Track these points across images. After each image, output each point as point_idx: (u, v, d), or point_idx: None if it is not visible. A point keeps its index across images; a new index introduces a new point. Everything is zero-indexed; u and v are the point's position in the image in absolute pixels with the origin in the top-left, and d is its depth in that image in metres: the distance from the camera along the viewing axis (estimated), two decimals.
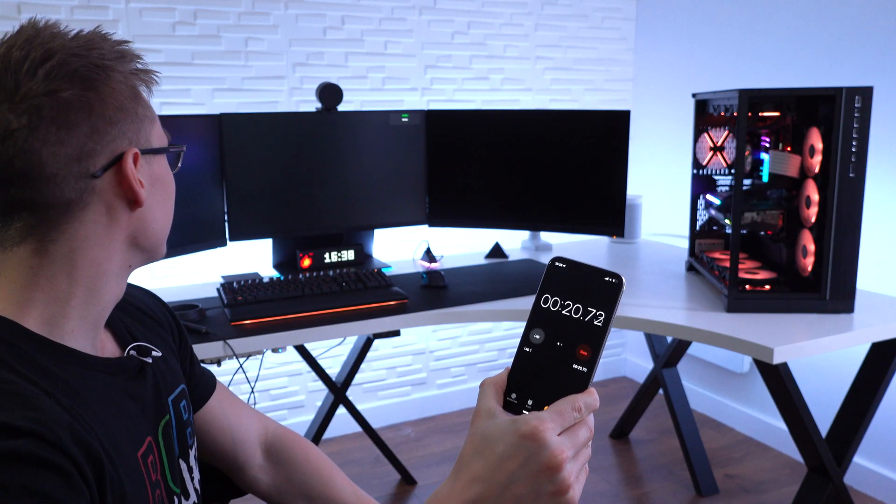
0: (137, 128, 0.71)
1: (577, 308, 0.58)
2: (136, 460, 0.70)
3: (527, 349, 0.59)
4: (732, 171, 1.95)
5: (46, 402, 0.60)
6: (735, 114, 1.68)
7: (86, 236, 0.68)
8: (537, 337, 0.59)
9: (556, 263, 0.60)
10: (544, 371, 0.58)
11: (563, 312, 0.59)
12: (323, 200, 2.07)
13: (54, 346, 0.67)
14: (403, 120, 2.12)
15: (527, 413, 0.57)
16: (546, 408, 0.56)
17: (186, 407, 0.85)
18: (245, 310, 1.64)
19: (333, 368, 2.50)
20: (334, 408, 2.22)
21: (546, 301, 0.59)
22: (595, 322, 0.58)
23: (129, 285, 0.91)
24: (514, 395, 0.59)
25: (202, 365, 1.01)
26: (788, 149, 1.75)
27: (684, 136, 2.71)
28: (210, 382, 0.98)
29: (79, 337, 0.70)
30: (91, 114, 0.66)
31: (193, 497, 0.83)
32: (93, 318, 0.71)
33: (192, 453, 0.85)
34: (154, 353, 0.81)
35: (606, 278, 0.58)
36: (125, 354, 0.78)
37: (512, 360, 0.60)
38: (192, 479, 0.83)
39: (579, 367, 0.57)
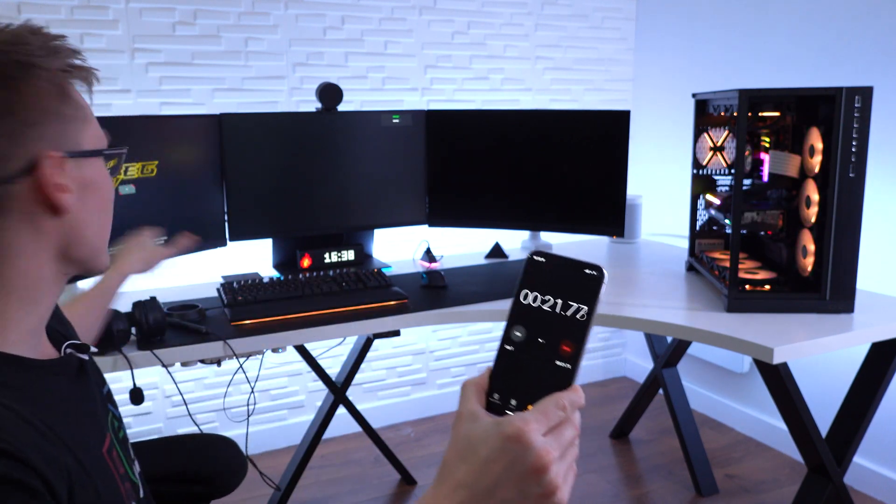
0: (62, 129, 0.68)
1: (558, 303, 0.56)
2: (102, 457, 0.69)
3: (508, 347, 0.57)
4: (732, 171, 1.95)
5: (9, 418, 0.59)
6: (735, 114, 1.68)
7: (10, 245, 0.66)
8: (518, 334, 0.57)
9: (535, 258, 0.58)
10: (527, 369, 0.56)
11: (544, 308, 0.57)
12: (323, 200, 2.07)
13: (3, 356, 0.65)
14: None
15: (510, 413, 0.55)
16: (530, 407, 0.54)
17: (113, 401, 0.86)
18: (245, 310, 1.64)
19: (333, 368, 2.50)
20: (334, 408, 2.22)
21: (526, 297, 0.57)
22: (577, 316, 0.55)
23: None
24: (496, 396, 0.56)
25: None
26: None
27: (684, 136, 2.71)
28: None
29: (23, 345, 0.68)
30: (7, 115, 0.64)
31: (141, 489, 0.82)
32: (34, 326, 0.69)
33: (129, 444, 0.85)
34: (92, 350, 0.80)
35: (587, 271, 0.56)
36: (62, 353, 0.76)
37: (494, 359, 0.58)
38: (136, 471, 0.82)
39: (563, 364, 0.55)
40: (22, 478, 0.55)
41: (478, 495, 0.53)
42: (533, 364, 0.56)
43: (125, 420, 0.89)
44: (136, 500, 0.78)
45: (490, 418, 0.54)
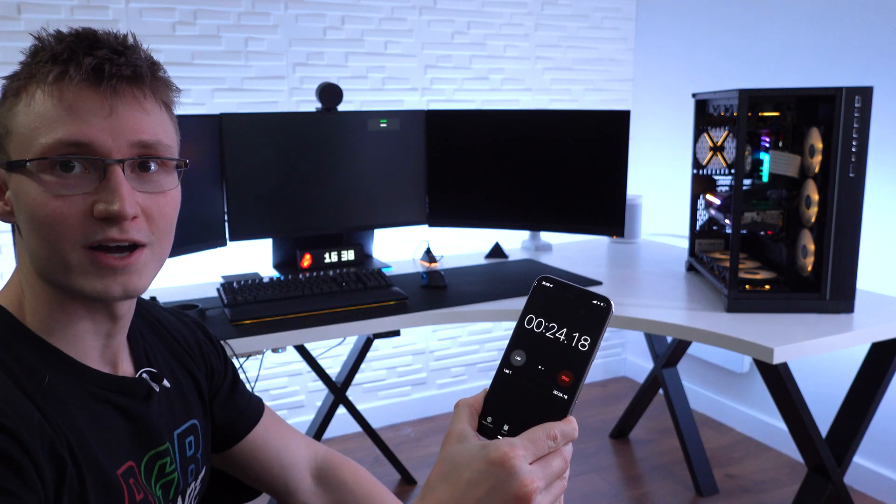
0: None
1: (563, 331, 0.56)
2: (115, 478, 0.68)
3: (506, 371, 0.56)
4: (732, 171, 1.95)
5: (19, 396, 0.60)
6: (735, 114, 1.68)
7: (18, 253, 0.69)
8: (518, 359, 0.56)
9: (543, 283, 0.57)
10: (523, 395, 0.55)
11: (547, 335, 0.56)
12: (323, 200, 2.07)
13: (49, 348, 0.66)
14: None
15: (500, 438, 0.54)
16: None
17: (194, 443, 0.82)
18: (245, 310, 1.64)
19: (333, 368, 2.50)
20: (334, 408, 2.22)
21: (530, 322, 0.57)
22: (580, 347, 0.55)
23: (171, 310, 0.90)
24: (489, 419, 0.56)
25: (252, 393, 0.98)
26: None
27: (684, 136, 2.71)
28: (257, 410, 0.96)
29: (74, 346, 0.68)
30: None
31: None
32: (78, 331, 0.69)
33: (192, 491, 0.82)
34: (164, 383, 0.78)
35: (594, 301, 0.56)
36: (137, 376, 0.76)
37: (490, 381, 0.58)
38: None
39: (560, 394, 0.54)
40: (12, 453, 0.56)
41: None
42: (530, 391, 0.55)
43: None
44: None
45: (478, 441, 0.53)
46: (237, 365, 1.65)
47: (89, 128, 0.64)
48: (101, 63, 0.64)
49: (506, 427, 0.55)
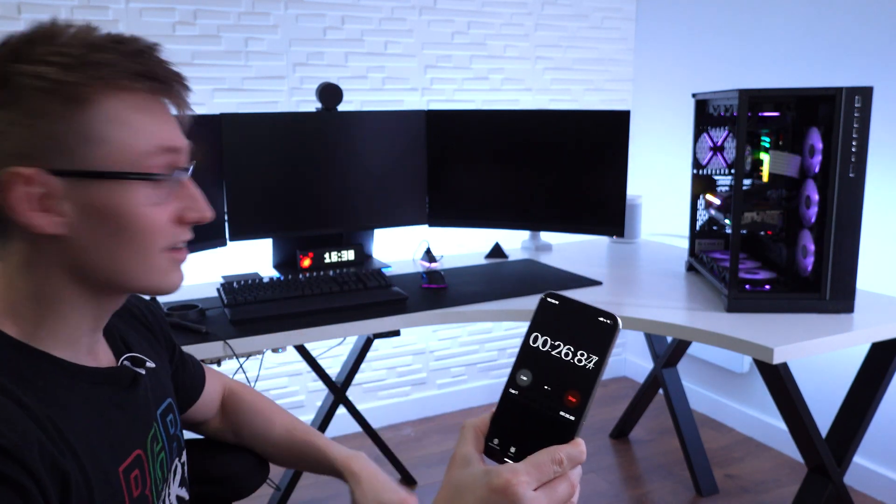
0: (50, 143, 0.60)
1: (569, 350, 0.54)
2: (116, 475, 0.67)
3: (512, 391, 0.55)
4: (732, 171, 1.95)
5: (16, 413, 0.58)
6: (735, 114, 1.68)
7: (18, 253, 0.64)
8: (524, 378, 0.55)
9: (549, 299, 0.56)
10: (529, 417, 0.54)
11: (553, 353, 0.55)
12: (323, 200, 2.07)
13: (36, 354, 0.64)
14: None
15: (508, 461, 0.53)
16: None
17: (173, 421, 0.83)
18: (245, 310, 1.64)
19: (333, 368, 2.50)
20: (334, 408, 2.22)
21: (535, 340, 0.55)
22: (587, 366, 0.53)
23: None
24: (496, 441, 0.54)
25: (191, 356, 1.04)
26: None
27: (684, 136, 2.71)
28: (199, 376, 1.03)
29: (65, 346, 0.67)
30: None
31: None
32: (71, 334, 0.68)
33: (173, 466, 0.83)
34: (148, 364, 0.78)
35: (601, 318, 0.54)
36: (119, 364, 0.75)
37: (498, 400, 0.56)
38: (169, 493, 0.81)
39: (566, 416, 0.53)
40: (13, 474, 0.54)
41: None
42: (536, 412, 0.54)
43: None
44: None
45: (482, 466, 0.53)
46: (238, 364, 1.65)
47: (177, 135, 0.68)
48: (166, 69, 0.66)
49: (512, 449, 0.54)
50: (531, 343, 0.55)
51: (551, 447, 0.52)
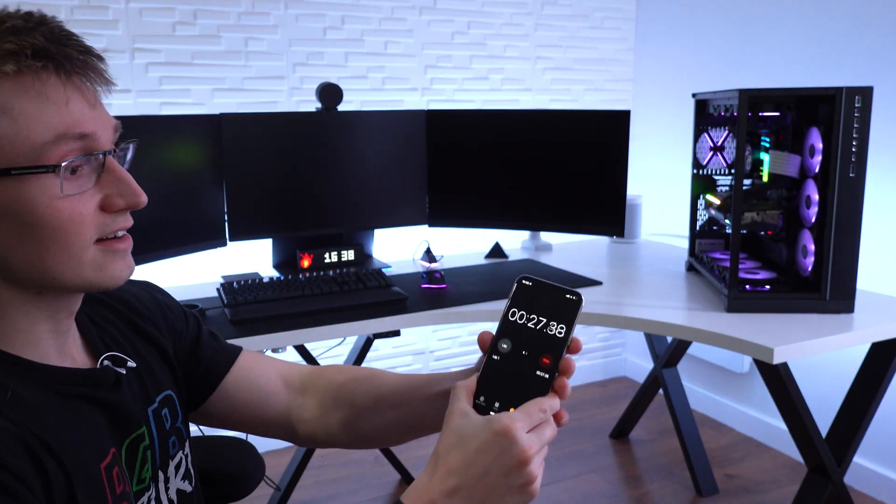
0: None
1: (541, 321, 0.65)
2: (98, 472, 0.65)
3: (495, 357, 0.65)
4: (732, 171, 1.95)
5: None
6: (735, 114, 1.68)
7: None
8: (504, 346, 0.65)
9: (524, 282, 0.67)
10: (510, 377, 0.64)
11: (529, 325, 0.66)
12: (323, 200, 2.07)
13: (6, 357, 0.63)
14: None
15: (502, 412, 0.62)
16: (511, 409, 0.62)
17: (170, 414, 0.81)
18: (245, 310, 1.64)
19: None
20: None
21: (513, 314, 0.66)
22: (557, 334, 0.65)
23: (130, 281, 0.81)
24: (482, 399, 0.64)
25: (227, 343, 0.92)
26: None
27: (684, 136, 2.71)
28: (230, 354, 0.91)
29: (29, 347, 0.65)
30: None
31: None
32: (30, 334, 0.65)
33: (174, 462, 0.81)
34: (129, 364, 0.75)
35: (567, 296, 0.66)
36: (98, 365, 0.72)
37: (482, 366, 0.66)
38: (168, 488, 0.79)
39: (542, 374, 0.64)
40: (6, 481, 0.53)
41: (468, 481, 0.59)
42: (516, 372, 0.64)
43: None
44: None
45: (480, 416, 0.62)
46: None
47: (85, 118, 0.61)
48: (57, 44, 0.60)
49: (497, 404, 0.64)
50: (510, 317, 0.66)
51: (536, 398, 0.62)
